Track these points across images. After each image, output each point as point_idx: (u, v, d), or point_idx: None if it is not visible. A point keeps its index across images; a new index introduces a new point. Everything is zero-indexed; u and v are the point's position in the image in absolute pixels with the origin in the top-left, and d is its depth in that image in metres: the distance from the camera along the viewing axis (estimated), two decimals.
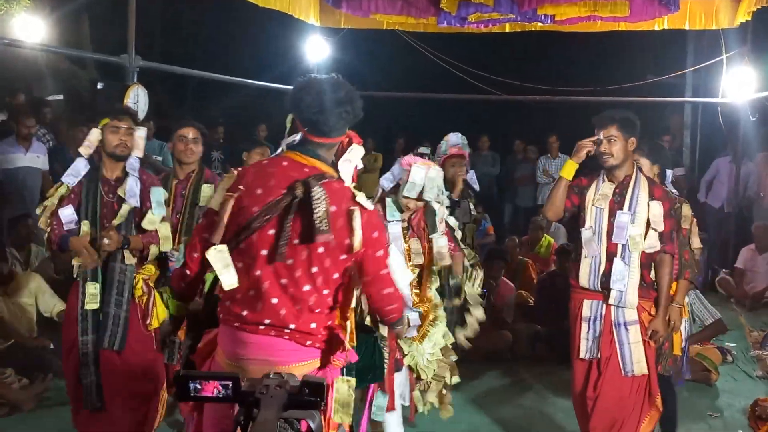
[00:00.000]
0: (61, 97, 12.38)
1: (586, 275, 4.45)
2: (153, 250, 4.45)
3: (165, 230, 4.49)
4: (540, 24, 8.86)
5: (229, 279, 2.79)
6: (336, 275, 2.86)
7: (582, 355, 4.49)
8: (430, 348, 4.78)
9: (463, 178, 6.37)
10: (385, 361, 3.74)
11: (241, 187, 2.88)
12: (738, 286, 9.57)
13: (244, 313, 2.84)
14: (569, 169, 4.62)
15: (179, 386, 1.84)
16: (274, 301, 2.81)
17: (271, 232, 2.80)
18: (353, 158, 3.06)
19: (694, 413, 5.92)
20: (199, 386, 1.83)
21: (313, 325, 2.86)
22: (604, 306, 4.41)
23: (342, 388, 2.95)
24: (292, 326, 2.82)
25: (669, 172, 5.14)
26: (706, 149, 12.13)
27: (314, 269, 2.81)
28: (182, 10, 14.39)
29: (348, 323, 3.05)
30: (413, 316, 4.58)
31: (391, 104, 13.62)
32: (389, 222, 4.60)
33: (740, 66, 10.00)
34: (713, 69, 10.89)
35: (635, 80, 11.23)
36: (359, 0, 8.79)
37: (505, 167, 12.39)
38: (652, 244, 4.36)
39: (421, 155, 11.60)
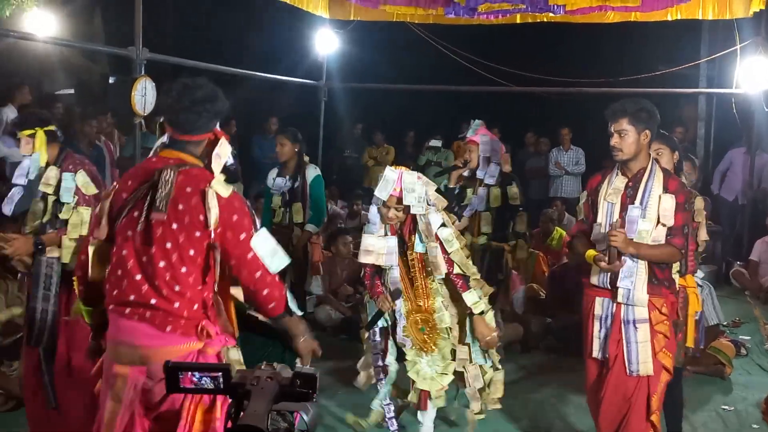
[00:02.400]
0: (72, 91, 12.40)
1: (596, 272, 4.34)
2: (65, 242, 4.35)
3: (75, 218, 4.38)
4: (551, 14, 8.80)
5: (98, 272, 3.11)
6: (192, 252, 3.00)
7: (594, 354, 4.41)
8: (440, 360, 4.71)
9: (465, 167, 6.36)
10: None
11: (116, 184, 3.17)
12: (752, 279, 9.48)
13: (115, 292, 3.05)
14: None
15: (168, 377, 1.82)
16: (137, 277, 3.01)
17: (135, 214, 3.04)
18: (222, 153, 3.18)
19: (708, 407, 5.86)
20: (188, 377, 1.80)
21: (177, 305, 2.99)
22: (615, 304, 4.31)
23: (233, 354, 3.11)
24: (153, 301, 2.98)
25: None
26: (719, 140, 12.01)
27: (168, 245, 2.99)
28: (193, 2, 14.37)
29: (226, 312, 3.15)
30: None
31: (401, 97, 13.58)
32: (365, 233, 4.66)
33: (755, 56, 9.88)
34: (727, 59, 10.77)
35: (648, 71, 11.12)
36: None
37: (516, 159, 12.31)
38: (657, 238, 4.23)
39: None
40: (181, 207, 2.99)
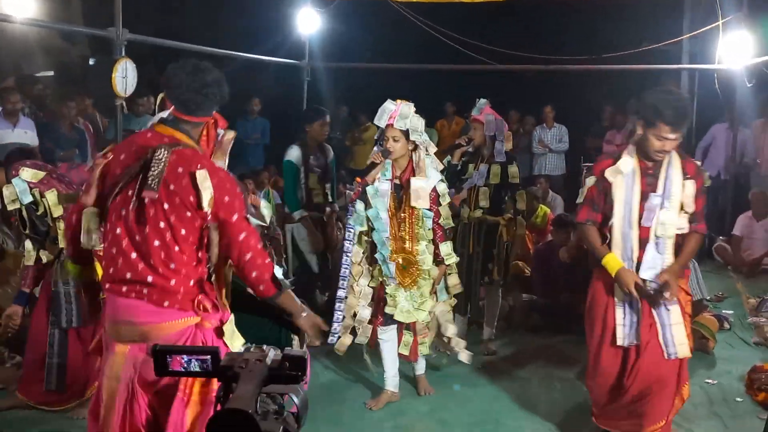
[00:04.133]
0: (51, 73, 12.27)
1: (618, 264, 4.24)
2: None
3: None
4: None
5: (87, 240, 3.15)
6: (183, 231, 3.04)
7: (620, 342, 4.31)
8: (418, 297, 5.13)
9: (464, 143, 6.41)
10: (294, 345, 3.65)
11: (110, 155, 3.20)
12: (735, 254, 9.55)
13: (111, 270, 3.10)
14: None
15: (156, 360, 1.81)
16: (133, 256, 3.05)
17: (129, 193, 3.08)
18: (226, 147, 3.34)
19: (692, 381, 5.88)
20: (176, 360, 1.79)
21: (173, 282, 3.05)
22: None
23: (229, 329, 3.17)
24: (149, 279, 3.03)
25: None
26: (702, 117, 12.04)
27: (161, 224, 3.03)
28: None
29: (221, 288, 3.23)
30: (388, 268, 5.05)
31: (385, 76, 13.51)
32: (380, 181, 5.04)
33: (737, 31, 9.90)
34: (709, 35, 10.78)
35: (631, 48, 11.11)
36: None
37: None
38: (681, 225, 4.20)
39: None
40: (172, 187, 3.03)
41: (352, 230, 5.11)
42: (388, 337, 5.28)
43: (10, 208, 4.69)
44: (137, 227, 3.05)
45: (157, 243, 3.03)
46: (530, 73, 12.45)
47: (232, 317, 3.23)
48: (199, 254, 3.10)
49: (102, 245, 3.21)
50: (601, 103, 12.31)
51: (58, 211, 4.68)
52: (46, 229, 4.73)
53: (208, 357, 1.78)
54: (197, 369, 1.79)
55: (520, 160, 11.76)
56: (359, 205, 5.08)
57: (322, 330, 3.45)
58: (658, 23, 12.40)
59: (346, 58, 12.52)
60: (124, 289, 3.06)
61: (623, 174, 4.22)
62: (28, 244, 4.77)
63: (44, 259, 4.76)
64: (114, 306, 3.10)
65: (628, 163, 4.22)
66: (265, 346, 1.79)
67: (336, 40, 12.08)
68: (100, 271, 4.07)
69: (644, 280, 4.22)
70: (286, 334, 3.52)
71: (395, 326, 5.24)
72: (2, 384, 5.41)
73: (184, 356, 1.79)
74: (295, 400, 1.75)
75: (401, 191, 5.09)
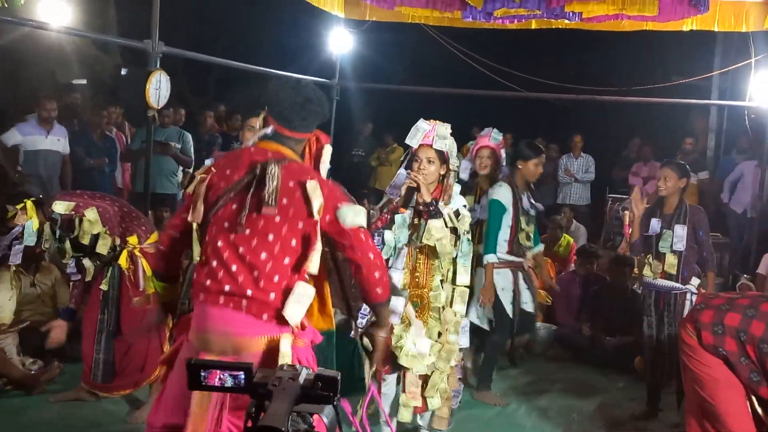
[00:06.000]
0: (84, 81, 12.44)
1: None
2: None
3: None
4: (567, 21, 8.77)
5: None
6: (294, 242, 3.06)
7: None
8: (426, 340, 4.52)
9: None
10: (365, 370, 3.60)
11: (213, 169, 3.20)
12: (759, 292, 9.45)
13: (208, 282, 3.06)
14: None
15: (190, 375, 1.82)
16: (234, 268, 3.02)
17: (234, 206, 3.07)
18: (326, 158, 3.35)
19: None
20: (210, 375, 1.81)
21: (272, 296, 3.02)
22: None
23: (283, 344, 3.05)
24: (249, 292, 3.00)
25: None
26: (730, 153, 12.00)
27: (270, 237, 3.03)
28: None
29: (324, 307, 3.26)
30: (398, 302, 4.31)
31: (413, 98, 13.57)
32: (392, 245, 4.54)
33: None
34: (740, 72, 10.75)
35: (661, 81, 11.10)
36: None
37: None
38: None
39: None
40: (285, 201, 3.04)
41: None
42: (389, 389, 4.73)
43: (45, 246, 4.91)
44: (242, 239, 3.04)
45: (264, 255, 3.02)
46: (559, 101, 12.45)
47: (321, 339, 3.23)
48: (302, 265, 3.08)
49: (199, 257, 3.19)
50: (629, 134, 12.29)
51: (97, 228, 4.87)
52: (89, 245, 4.92)
53: (241, 373, 1.79)
54: (230, 384, 1.80)
55: (544, 187, 11.92)
56: (388, 235, 4.56)
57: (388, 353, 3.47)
58: (690, 58, 12.39)
59: (375, 79, 12.59)
60: (222, 299, 3.03)
61: None
62: (87, 261, 4.99)
63: (91, 270, 4.98)
64: (206, 316, 3.06)
65: None
66: (297, 365, 1.80)
67: (366, 61, 12.16)
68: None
69: None
70: (359, 358, 3.52)
71: (396, 376, 4.68)
72: (18, 385, 5.49)
73: (218, 371, 1.80)
74: (325, 420, 1.75)
75: (420, 218, 4.57)
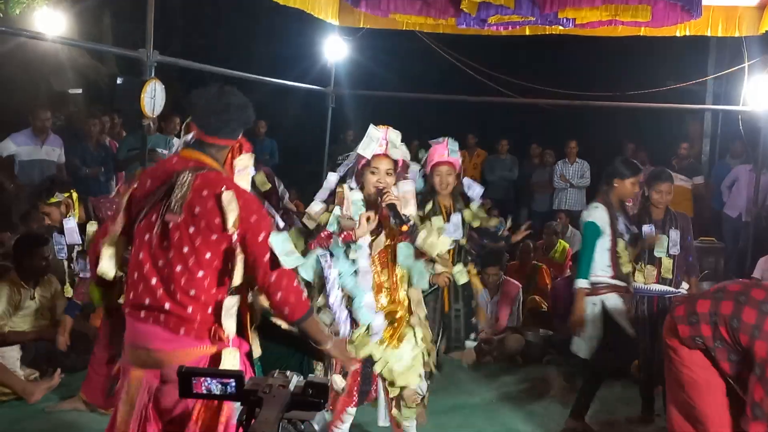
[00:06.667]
0: (80, 91, 12.45)
1: None
2: None
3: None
4: (561, 27, 8.80)
5: (104, 266, 3.15)
6: (208, 255, 3.01)
7: None
8: (409, 351, 4.30)
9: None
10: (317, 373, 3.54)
11: (136, 183, 3.20)
12: None
13: (131, 295, 3.08)
14: None
15: (181, 382, 1.83)
16: (153, 281, 3.02)
17: (153, 218, 3.06)
18: (241, 163, 3.26)
19: None
20: (201, 383, 1.81)
21: (190, 309, 3.00)
22: None
23: (228, 360, 3.03)
24: (167, 306, 2.99)
25: None
26: (724, 157, 12.03)
27: (185, 249, 3.00)
28: (204, 6, 14.43)
29: (245, 315, 3.16)
30: (377, 321, 4.14)
31: (408, 105, 13.60)
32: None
33: (762, 74, 9.89)
34: (734, 77, 10.78)
35: (655, 86, 11.13)
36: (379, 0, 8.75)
37: (522, 171, 12.34)
38: None
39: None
40: (197, 210, 3.00)
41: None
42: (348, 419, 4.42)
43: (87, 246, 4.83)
44: (161, 252, 3.03)
45: (179, 268, 3.00)
46: (554, 107, 12.48)
47: (248, 348, 3.18)
48: (222, 279, 3.05)
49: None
50: (624, 139, 12.32)
51: None
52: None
53: (232, 380, 1.80)
54: (220, 392, 1.81)
55: (541, 194, 11.95)
56: (344, 266, 4.13)
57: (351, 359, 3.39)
58: (684, 63, 12.44)
59: (371, 86, 12.62)
60: (143, 314, 3.04)
61: None
62: None
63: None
64: (132, 330, 3.09)
65: None
66: (288, 372, 1.81)
67: (362, 69, 12.19)
68: None
69: None
70: (308, 362, 3.48)
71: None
72: (23, 396, 5.49)
73: (209, 379, 1.81)
74: (316, 427, 1.76)
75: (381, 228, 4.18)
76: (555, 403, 6.22)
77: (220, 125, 3.12)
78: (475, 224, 5.47)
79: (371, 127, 4.22)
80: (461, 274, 4.80)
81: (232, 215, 2.97)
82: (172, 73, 11.22)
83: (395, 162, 4.22)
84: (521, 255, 8.60)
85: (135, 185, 3.20)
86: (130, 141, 9.39)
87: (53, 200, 4.76)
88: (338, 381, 4.01)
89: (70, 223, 4.75)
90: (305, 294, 3.19)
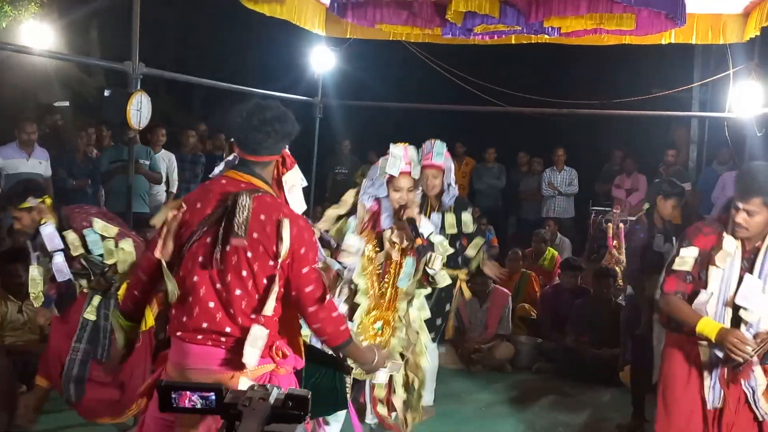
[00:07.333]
0: (67, 103, 12.43)
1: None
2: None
3: (121, 254, 4.80)
4: (546, 36, 8.82)
5: (171, 289, 3.03)
6: (266, 281, 2.99)
7: (711, 405, 4.05)
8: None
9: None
10: (347, 386, 3.63)
11: (183, 205, 3.10)
12: None
13: (184, 319, 3.01)
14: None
15: (161, 396, 1.83)
16: (211, 305, 2.98)
17: (208, 240, 3.00)
18: (289, 181, 3.23)
19: None
20: (181, 397, 1.81)
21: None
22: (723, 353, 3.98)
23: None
24: (227, 329, 2.97)
25: None
26: (711, 164, 12.08)
27: (244, 273, 2.97)
28: (192, 18, 14.43)
29: (297, 337, 3.20)
30: (394, 366, 4.23)
31: (396, 114, 13.63)
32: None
33: (747, 81, 9.95)
34: (720, 84, 10.84)
35: (641, 94, 11.18)
36: (365, 10, 8.74)
37: (509, 179, 12.36)
38: None
39: None
40: (255, 235, 2.96)
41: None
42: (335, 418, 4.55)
43: (75, 254, 4.72)
44: (218, 275, 2.98)
45: (239, 292, 2.97)
46: (541, 116, 12.52)
47: (303, 365, 3.22)
48: (279, 302, 3.04)
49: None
50: (611, 147, 12.36)
51: (131, 260, 4.75)
52: (100, 272, 4.82)
53: (212, 394, 1.79)
54: (200, 406, 1.80)
55: (529, 202, 11.96)
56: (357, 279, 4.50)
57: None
58: (670, 70, 12.49)
59: (358, 96, 12.63)
60: (200, 337, 2.99)
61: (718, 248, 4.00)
62: (84, 281, 4.88)
63: (85, 290, 4.88)
64: (184, 353, 3.02)
65: (731, 243, 3.99)
66: (268, 385, 1.81)
67: (349, 79, 12.20)
68: (150, 320, 4.10)
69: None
70: (341, 378, 3.53)
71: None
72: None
73: (189, 392, 1.80)
74: None
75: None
76: (545, 411, 6.22)
77: (259, 142, 3.05)
78: (450, 231, 5.45)
79: (392, 145, 4.55)
80: (442, 276, 4.76)
81: (285, 244, 2.96)
82: (160, 85, 11.23)
83: (414, 179, 4.56)
84: (510, 263, 8.61)
85: (183, 208, 3.09)
86: (111, 153, 9.37)
87: (25, 205, 4.70)
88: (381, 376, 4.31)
89: (49, 229, 4.69)
90: (344, 325, 3.21)
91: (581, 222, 11.44)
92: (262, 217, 2.97)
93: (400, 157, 4.49)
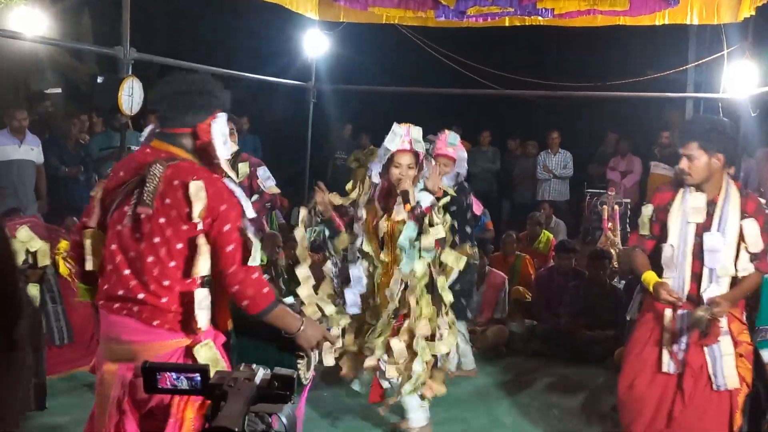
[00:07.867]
0: (59, 90, 12.37)
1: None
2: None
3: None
4: (540, 18, 8.81)
5: (90, 262, 3.14)
6: (180, 246, 2.99)
7: (665, 368, 4.14)
8: (398, 346, 4.61)
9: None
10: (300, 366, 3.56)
11: (110, 173, 3.20)
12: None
13: (105, 287, 3.07)
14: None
15: (145, 378, 1.81)
16: (126, 272, 3.01)
17: (125, 209, 3.04)
18: (216, 132, 3.11)
19: None
20: (166, 378, 1.80)
21: (165, 300, 2.99)
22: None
23: (203, 352, 3.02)
24: (140, 296, 2.97)
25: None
26: None
27: (156, 239, 2.97)
28: (184, 3, 14.35)
29: (224, 312, 3.15)
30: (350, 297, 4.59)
31: (390, 98, 13.58)
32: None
33: (741, 60, 9.93)
34: (714, 64, 10.81)
35: (636, 75, 11.16)
36: None
37: (504, 163, 12.34)
38: (745, 266, 4.02)
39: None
40: (168, 201, 2.97)
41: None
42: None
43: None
44: (132, 243, 3.00)
45: (151, 258, 2.97)
46: (535, 98, 12.49)
47: (228, 341, 3.16)
48: (194, 270, 3.00)
49: None
50: (606, 129, 12.34)
51: (35, 244, 4.88)
52: (26, 267, 4.90)
53: (197, 375, 1.78)
54: (186, 387, 1.79)
55: (524, 185, 11.94)
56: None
57: (330, 341, 3.32)
58: (664, 51, 12.45)
59: (352, 81, 12.59)
60: (116, 306, 3.01)
61: (681, 202, 4.11)
62: (32, 288, 4.93)
63: (37, 298, 4.95)
64: (106, 323, 3.07)
65: (686, 192, 4.12)
66: (254, 366, 1.80)
67: (342, 63, 12.16)
68: None
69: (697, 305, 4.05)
70: (289, 359, 3.44)
71: None
72: None
73: (173, 374, 1.79)
74: (283, 419, 1.75)
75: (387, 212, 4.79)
76: (540, 394, 6.23)
77: (171, 114, 3.10)
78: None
79: (395, 124, 4.73)
80: (459, 259, 4.80)
81: (198, 205, 2.95)
82: (153, 70, 11.16)
83: (417, 156, 4.69)
84: (505, 246, 8.60)
85: (109, 177, 3.20)
86: (101, 139, 9.34)
87: None
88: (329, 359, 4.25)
89: None
90: (267, 288, 3.09)
91: (576, 205, 11.44)
92: (176, 182, 2.98)
93: (400, 135, 4.67)
